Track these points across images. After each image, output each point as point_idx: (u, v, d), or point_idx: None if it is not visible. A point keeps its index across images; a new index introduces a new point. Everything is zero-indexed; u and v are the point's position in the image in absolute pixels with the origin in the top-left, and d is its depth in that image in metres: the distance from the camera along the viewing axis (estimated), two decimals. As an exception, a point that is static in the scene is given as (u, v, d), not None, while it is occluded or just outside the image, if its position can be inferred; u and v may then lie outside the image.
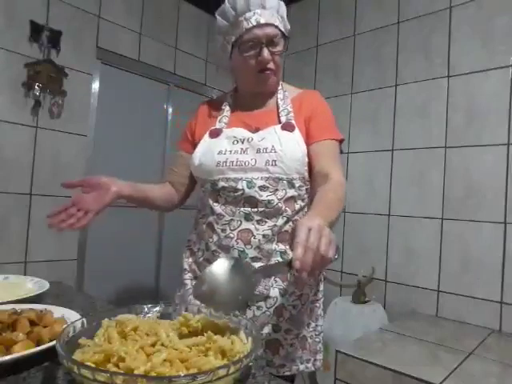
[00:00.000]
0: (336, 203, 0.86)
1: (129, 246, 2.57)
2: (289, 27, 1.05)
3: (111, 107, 2.49)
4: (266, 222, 0.95)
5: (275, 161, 0.94)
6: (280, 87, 1.10)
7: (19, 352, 0.51)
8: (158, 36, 2.75)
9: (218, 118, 1.08)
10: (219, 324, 0.59)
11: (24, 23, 2.14)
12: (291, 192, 0.97)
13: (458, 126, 2.08)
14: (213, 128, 1.05)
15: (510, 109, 1.92)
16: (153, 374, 0.44)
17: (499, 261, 1.90)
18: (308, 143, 1.00)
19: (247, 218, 0.95)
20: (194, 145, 1.08)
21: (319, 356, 1.06)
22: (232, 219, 0.96)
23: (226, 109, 1.09)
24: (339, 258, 2.52)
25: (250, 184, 0.95)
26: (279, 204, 0.96)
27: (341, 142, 1.05)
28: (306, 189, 1.03)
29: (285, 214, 0.97)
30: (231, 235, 0.95)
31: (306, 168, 1.00)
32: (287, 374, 1.00)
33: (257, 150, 0.96)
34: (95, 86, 2.45)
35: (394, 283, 2.27)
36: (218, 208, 0.98)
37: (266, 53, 0.97)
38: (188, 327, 0.57)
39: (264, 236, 0.95)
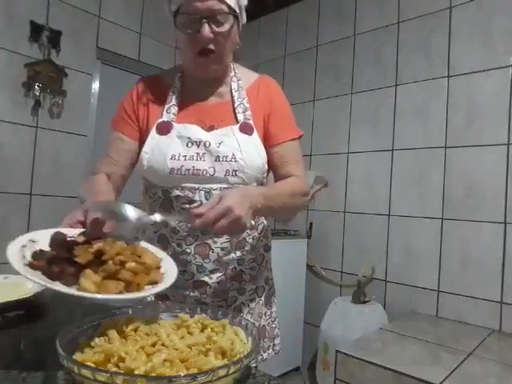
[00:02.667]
0: (287, 193, 0.89)
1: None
2: (245, 3, 0.89)
3: (111, 107, 2.48)
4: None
5: (236, 171, 0.87)
6: (232, 73, 0.98)
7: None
8: (157, 36, 2.75)
9: (166, 106, 0.94)
10: (219, 324, 0.59)
11: (24, 23, 2.14)
12: None
13: (458, 126, 2.08)
14: (161, 121, 0.92)
15: (510, 109, 1.92)
16: (153, 374, 0.44)
17: (499, 261, 1.91)
18: (269, 144, 0.94)
19: (204, 232, 0.89)
20: (139, 130, 0.96)
21: (277, 341, 1.07)
22: (188, 234, 0.90)
23: (175, 96, 0.95)
24: (339, 259, 2.53)
25: (209, 195, 0.87)
26: None
27: (300, 137, 1.00)
28: None
29: None
30: (188, 250, 0.90)
31: (265, 175, 0.94)
32: (253, 365, 1.00)
33: (215, 158, 0.87)
34: (95, 85, 2.45)
35: (393, 283, 2.27)
36: (171, 222, 0.91)
37: (206, 30, 0.81)
38: (187, 328, 0.57)
39: (223, 249, 0.91)
